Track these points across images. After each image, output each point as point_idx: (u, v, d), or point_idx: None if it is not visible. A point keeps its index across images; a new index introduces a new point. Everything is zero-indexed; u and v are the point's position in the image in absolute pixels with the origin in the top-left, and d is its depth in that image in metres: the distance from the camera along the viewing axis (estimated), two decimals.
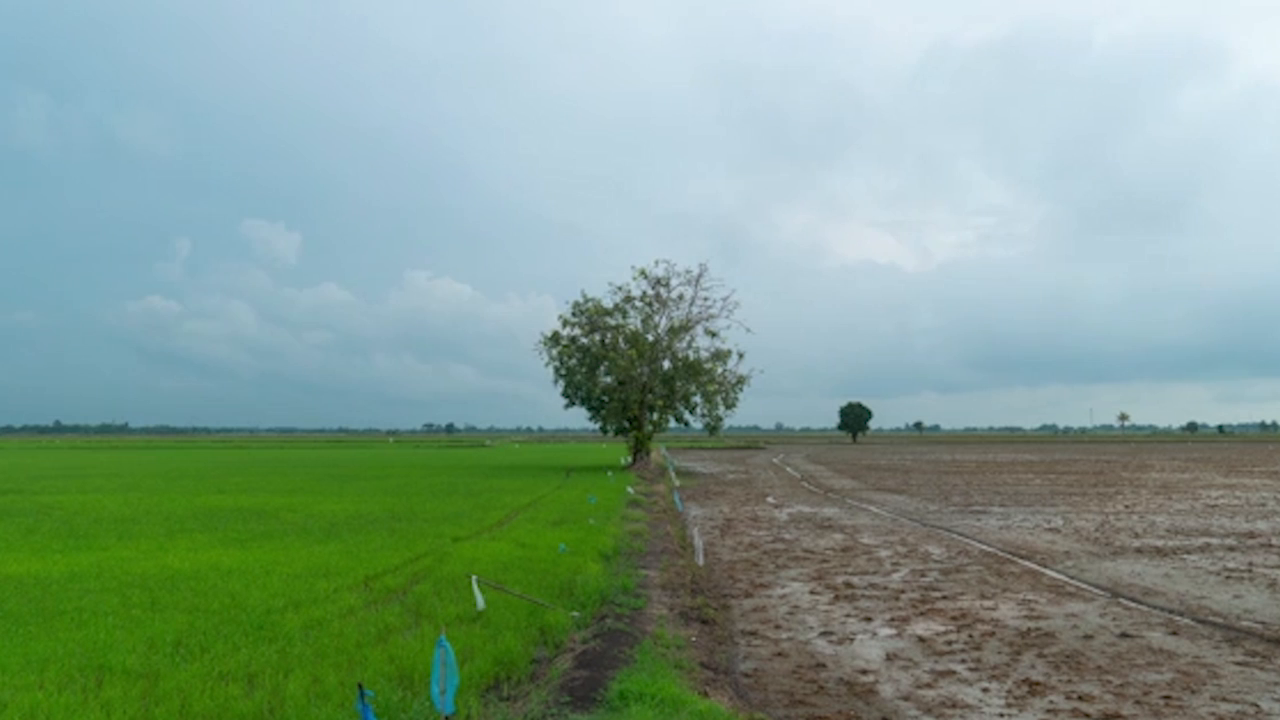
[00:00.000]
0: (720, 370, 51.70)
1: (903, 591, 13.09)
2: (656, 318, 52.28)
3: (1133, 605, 12.02)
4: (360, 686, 5.80)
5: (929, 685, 8.25)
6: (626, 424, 52.10)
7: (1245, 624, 10.77)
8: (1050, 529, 21.22)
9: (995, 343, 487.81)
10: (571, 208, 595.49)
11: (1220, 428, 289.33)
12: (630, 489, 31.08)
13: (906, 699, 7.85)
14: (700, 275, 51.63)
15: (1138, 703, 7.69)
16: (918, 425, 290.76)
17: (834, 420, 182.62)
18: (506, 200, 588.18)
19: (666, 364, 52.09)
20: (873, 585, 13.63)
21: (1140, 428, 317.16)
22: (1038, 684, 8.24)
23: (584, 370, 51.71)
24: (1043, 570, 15.06)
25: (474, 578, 10.26)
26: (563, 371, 52.31)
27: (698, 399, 52.07)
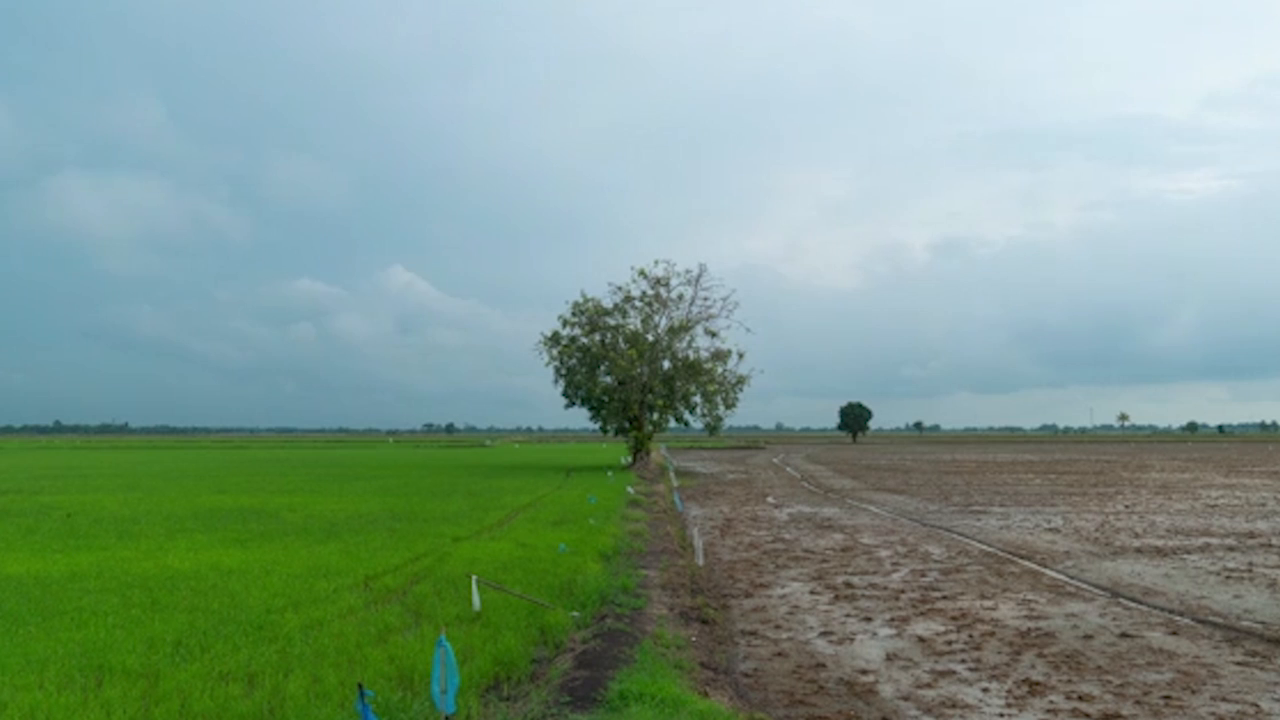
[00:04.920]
0: (720, 370, 51.74)
1: (903, 591, 13.09)
2: (656, 318, 52.33)
3: (1133, 605, 12.02)
4: (360, 686, 5.80)
5: (929, 685, 8.25)
6: (626, 424, 52.10)
7: (1245, 624, 10.78)
8: (1050, 529, 21.22)
9: (1053, 339, 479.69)
10: (585, 201, 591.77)
11: (1220, 428, 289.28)
12: (630, 489, 31.06)
13: (906, 699, 7.86)
14: (700, 275, 51.74)
15: (1138, 703, 7.69)
16: (918, 425, 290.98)
17: (834, 420, 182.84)
18: (514, 198, 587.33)
19: (666, 364, 52.10)
20: (873, 585, 13.63)
21: (1140, 427, 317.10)
22: (1038, 684, 8.24)
23: (584, 370, 51.70)
24: (1043, 570, 15.06)
25: (474, 577, 10.25)
26: (563, 371, 52.32)
27: (698, 399, 52.09)
